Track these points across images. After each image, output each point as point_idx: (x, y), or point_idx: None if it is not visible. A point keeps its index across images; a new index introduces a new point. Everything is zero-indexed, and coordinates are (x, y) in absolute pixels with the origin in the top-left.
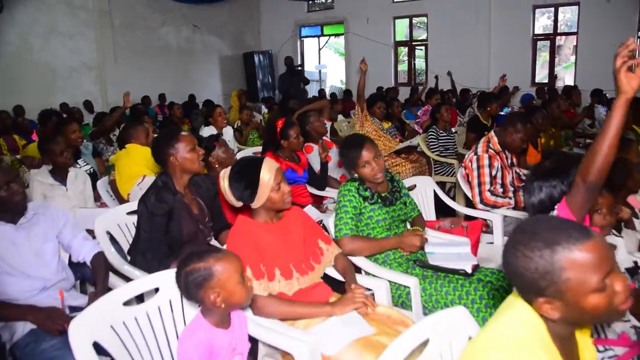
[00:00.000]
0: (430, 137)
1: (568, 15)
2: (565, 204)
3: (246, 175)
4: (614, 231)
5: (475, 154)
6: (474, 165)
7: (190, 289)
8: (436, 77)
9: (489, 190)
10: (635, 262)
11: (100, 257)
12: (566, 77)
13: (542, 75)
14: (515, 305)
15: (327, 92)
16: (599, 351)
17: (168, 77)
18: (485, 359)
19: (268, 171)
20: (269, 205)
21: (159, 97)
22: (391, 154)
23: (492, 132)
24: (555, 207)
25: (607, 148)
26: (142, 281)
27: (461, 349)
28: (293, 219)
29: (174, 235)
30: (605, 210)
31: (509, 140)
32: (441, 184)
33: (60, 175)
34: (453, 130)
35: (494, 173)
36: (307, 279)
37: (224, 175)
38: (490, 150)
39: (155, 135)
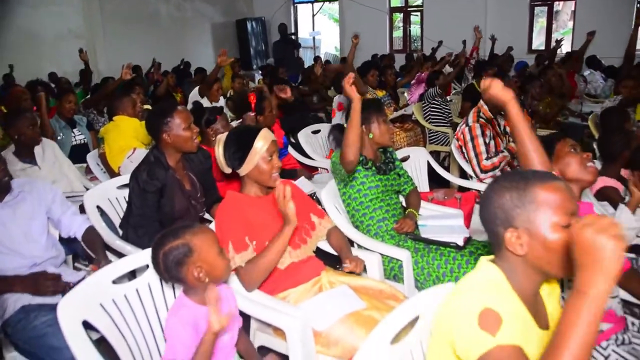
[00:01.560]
0: (429, 104)
1: None
2: None
3: (241, 140)
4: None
5: (467, 125)
6: (468, 137)
7: (171, 268)
8: (439, 43)
9: (486, 159)
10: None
11: (91, 230)
12: (564, 44)
13: (539, 42)
14: (481, 266)
15: (322, 58)
16: None
17: (159, 45)
18: (455, 301)
19: (263, 139)
20: (256, 175)
21: (152, 62)
22: None
23: (481, 101)
24: None
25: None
26: (132, 258)
27: None
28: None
29: (165, 212)
30: None
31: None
32: (436, 153)
33: (27, 155)
34: (448, 98)
35: (487, 141)
36: (299, 252)
37: (220, 139)
38: (481, 119)
39: (146, 106)
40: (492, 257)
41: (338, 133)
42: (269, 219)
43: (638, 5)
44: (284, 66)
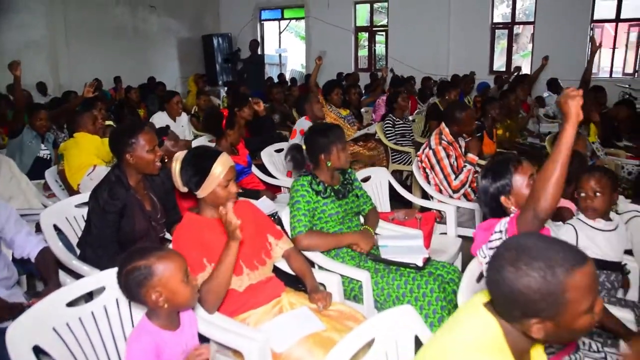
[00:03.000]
0: (386, 125)
1: (527, 4)
2: (515, 222)
3: (199, 163)
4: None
5: (430, 148)
6: (433, 160)
7: (132, 288)
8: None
9: (455, 179)
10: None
11: (46, 253)
12: (524, 66)
13: (500, 63)
14: (479, 315)
15: (287, 76)
16: None
17: (124, 59)
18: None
19: (221, 165)
20: (213, 200)
21: (114, 79)
22: (348, 142)
23: (443, 124)
24: (507, 221)
25: (558, 176)
26: (87, 280)
27: (407, 347)
28: (242, 214)
29: (125, 232)
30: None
31: (458, 130)
32: (399, 172)
33: None
34: (410, 118)
35: (452, 162)
36: (257, 273)
37: (178, 157)
38: (443, 141)
39: (108, 122)
40: (487, 300)
41: (296, 153)
42: (225, 240)
43: (591, 32)
44: (244, 83)
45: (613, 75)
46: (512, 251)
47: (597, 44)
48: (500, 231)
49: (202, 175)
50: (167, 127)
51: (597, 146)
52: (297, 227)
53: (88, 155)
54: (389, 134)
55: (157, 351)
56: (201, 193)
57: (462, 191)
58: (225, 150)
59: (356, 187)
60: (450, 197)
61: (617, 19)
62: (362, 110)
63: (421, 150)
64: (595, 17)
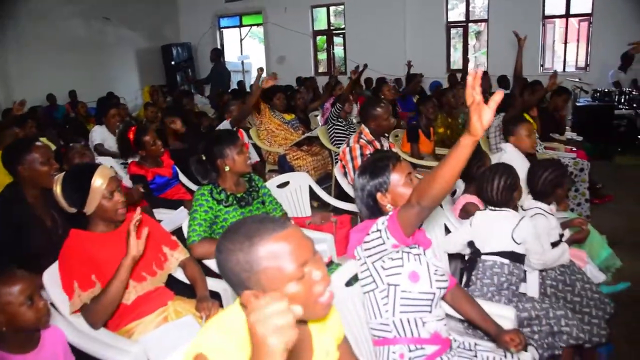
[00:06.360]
0: (333, 125)
1: (483, 3)
2: (396, 218)
3: (78, 180)
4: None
5: (348, 145)
6: (348, 157)
7: None
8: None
9: None
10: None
11: None
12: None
13: (458, 62)
14: (234, 305)
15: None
16: (410, 350)
17: (80, 72)
18: (200, 338)
19: (101, 177)
20: (101, 214)
21: (69, 94)
22: (292, 147)
23: (363, 125)
24: (387, 218)
25: (448, 178)
26: None
27: None
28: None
29: (23, 248)
30: None
31: (375, 126)
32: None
33: None
34: (354, 120)
35: None
36: (146, 284)
37: (57, 180)
38: (361, 140)
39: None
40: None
41: (198, 165)
42: (116, 254)
43: (543, 28)
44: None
45: (566, 70)
46: (224, 233)
47: (523, 40)
48: (379, 230)
49: (84, 192)
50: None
51: (536, 140)
52: (191, 236)
53: (4, 175)
54: (338, 132)
55: None
56: (88, 209)
57: None
58: (152, 165)
59: (264, 194)
60: None
61: (567, 15)
62: (312, 114)
63: (341, 149)
64: (546, 13)
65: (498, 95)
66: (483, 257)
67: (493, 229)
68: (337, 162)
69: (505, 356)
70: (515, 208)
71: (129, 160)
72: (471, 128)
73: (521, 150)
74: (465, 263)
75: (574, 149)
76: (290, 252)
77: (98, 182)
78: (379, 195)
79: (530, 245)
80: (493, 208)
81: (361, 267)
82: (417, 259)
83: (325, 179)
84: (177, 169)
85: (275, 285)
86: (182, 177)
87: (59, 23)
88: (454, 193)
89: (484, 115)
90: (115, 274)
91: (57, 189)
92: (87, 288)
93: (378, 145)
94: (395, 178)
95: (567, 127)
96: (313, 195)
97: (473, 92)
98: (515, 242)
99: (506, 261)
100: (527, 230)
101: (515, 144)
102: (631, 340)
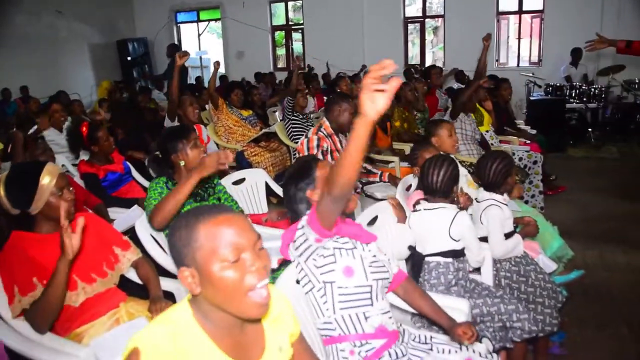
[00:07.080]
0: (289, 121)
1: None
2: (314, 212)
3: (24, 179)
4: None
5: (306, 136)
6: (304, 148)
7: None
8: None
9: None
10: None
11: None
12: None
13: (415, 57)
14: (181, 302)
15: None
16: (355, 346)
17: (31, 68)
18: (139, 332)
19: (49, 174)
20: (48, 212)
21: (20, 89)
22: (250, 144)
23: (324, 118)
24: (307, 214)
25: (350, 165)
26: None
27: None
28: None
29: None
30: None
31: (339, 120)
32: None
33: None
34: (313, 116)
35: (323, 153)
36: (96, 286)
37: (0, 179)
38: (320, 133)
39: None
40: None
41: (154, 164)
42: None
43: (497, 24)
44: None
45: (520, 65)
46: (179, 218)
47: (489, 38)
48: (303, 226)
49: (31, 191)
50: None
51: (492, 134)
52: (147, 213)
53: None
54: (295, 127)
55: None
56: (35, 208)
57: None
58: (103, 163)
59: (219, 190)
60: None
61: (520, 11)
62: (270, 110)
63: (299, 141)
64: (500, 9)
65: (395, 82)
66: (427, 258)
67: (431, 229)
68: (295, 157)
69: (461, 349)
70: (509, 192)
71: (79, 159)
72: (363, 109)
73: (442, 150)
74: (412, 267)
75: (528, 142)
76: (229, 235)
77: (46, 179)
78: (308, 192)
79: (468, 241)
80: (428, 207)
81: (297, 267)
82: (349, 253)
83: (284, 175)
84: (130, 165)
85: (208, 264)
86: (136, 174)
87: (7, 18)
88: (408, 188)
89: (377, 100)
90: (52, 277)
91: (0, 190)
92: (27, 292)
93: (337, 140)
94: (320, 174)
95: (521, 121)
96: (271, 192)
97: (372, 80)
98: (453, 239)
99: (449, 260)
100: (464, 224)
101: (437, 144)
102: (582, 327)
